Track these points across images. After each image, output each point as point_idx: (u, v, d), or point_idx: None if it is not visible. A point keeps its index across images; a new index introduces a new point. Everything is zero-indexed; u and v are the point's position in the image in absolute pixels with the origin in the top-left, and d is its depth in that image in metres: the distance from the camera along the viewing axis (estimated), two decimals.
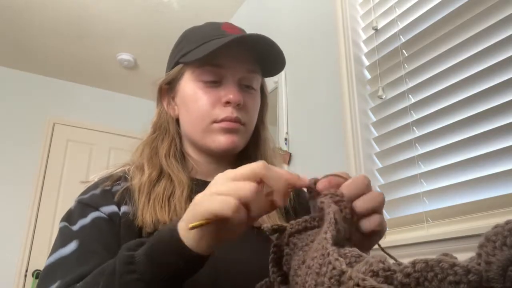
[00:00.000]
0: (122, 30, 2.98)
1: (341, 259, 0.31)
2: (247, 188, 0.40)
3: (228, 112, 0.67)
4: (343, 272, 0.30)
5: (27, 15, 2.81)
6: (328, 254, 0.32)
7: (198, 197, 0.44)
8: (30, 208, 3.16)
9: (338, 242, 0.36)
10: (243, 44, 0.67)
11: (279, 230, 0.43)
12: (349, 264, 0.32)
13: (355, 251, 0.34)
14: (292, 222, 0.42)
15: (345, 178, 0.44)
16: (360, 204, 0.42)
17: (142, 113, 3.54)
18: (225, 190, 0.41)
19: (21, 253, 3.04)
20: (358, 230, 0.43)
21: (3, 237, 3.02)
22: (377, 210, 0.43)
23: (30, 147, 3.31)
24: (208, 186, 0.44)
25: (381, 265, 0.29)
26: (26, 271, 3.01)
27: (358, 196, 0.42)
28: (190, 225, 0.42)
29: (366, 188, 0.43)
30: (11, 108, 3.34)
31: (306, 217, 0.42)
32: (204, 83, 0.69)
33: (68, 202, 0.67)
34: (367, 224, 0.42)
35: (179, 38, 0.76)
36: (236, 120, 0.67)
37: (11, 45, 3.15)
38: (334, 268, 0.31)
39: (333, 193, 0.41)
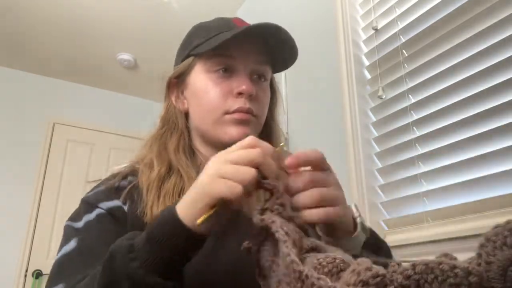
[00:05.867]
0: (122, 30, 2.98)
1: (323, 276, 0.31)
2: (250, 173, 0.42)
3: (241, 103, 0.67)
4: None
5: (27, 15, 2.81)
6: (307, 276, 0.31)
7: (199, 181, 0.44)
8: (30, 208, 3.15)
9: (302, 249, 0.36)
10: (255, 35, 0.67)
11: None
12: (329, 273, 0.32)
13: (329, 256, 0.33)
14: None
15: (315, 158, 0.47)
16: (299, 199, 0.45)
17: (142, 113, 3.55)
18: (227, 173, 0.42)
19: (21, 253, 3.04)
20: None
21: (3, 237, 3.02)
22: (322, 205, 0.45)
23: (30, 147, 3.30)
24: (206, 169, 0.45)
25: (369, 273, 0.29)
26: (26, 271, 3.01)
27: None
28: (199, 221, 0.42)
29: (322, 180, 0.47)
30: (11, 108, 3.34)
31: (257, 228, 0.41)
32: (215, 74, 0.68)
33: (68, 202, 0.68)
34: (307, 214, 0.44)
35: (189, 32, 0.75)
36: (248, 111, 0.67)
37: (11, 45, 3.15)
38: None
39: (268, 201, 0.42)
